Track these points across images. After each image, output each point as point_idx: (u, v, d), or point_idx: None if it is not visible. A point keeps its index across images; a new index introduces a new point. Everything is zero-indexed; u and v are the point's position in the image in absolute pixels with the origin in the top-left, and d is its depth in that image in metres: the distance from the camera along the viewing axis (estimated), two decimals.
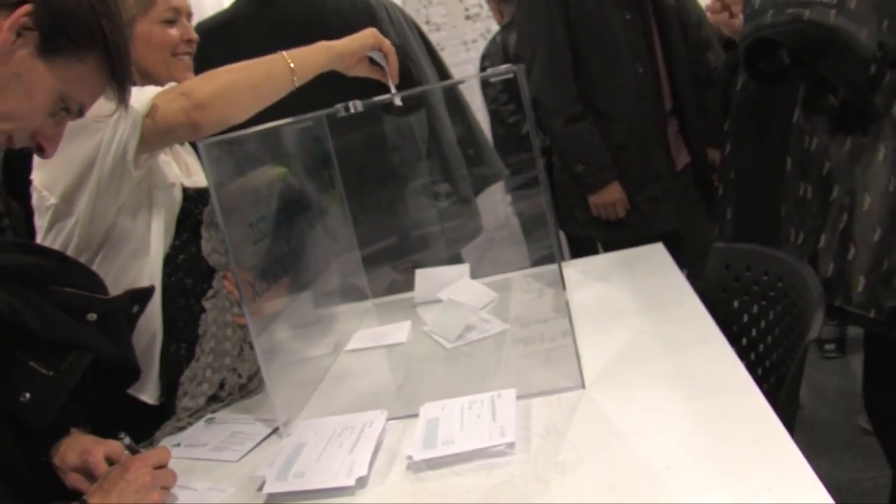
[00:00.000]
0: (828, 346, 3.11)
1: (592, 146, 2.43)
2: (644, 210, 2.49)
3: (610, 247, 2.53)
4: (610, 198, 2.47)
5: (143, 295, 1.40)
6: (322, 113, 1.28)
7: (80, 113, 1.12)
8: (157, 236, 1.41)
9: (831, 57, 1.34)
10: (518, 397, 1.16)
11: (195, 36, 1.54)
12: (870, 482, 2.14)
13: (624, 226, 2.52)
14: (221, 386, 1.46)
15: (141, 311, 1.39)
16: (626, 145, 2.43)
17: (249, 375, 1.49)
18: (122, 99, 1.15)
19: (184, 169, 1.52)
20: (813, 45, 1.34)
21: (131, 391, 1.41)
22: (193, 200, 1.47)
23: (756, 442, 0.92)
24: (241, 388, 1.49)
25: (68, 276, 1.26)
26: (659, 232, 2.36)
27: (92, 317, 1.26)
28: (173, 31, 1.49)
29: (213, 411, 1.45)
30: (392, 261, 2.16)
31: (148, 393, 1.42)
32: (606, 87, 2.41)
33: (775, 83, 1.50)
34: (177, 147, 1.55)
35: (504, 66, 1.19)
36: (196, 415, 1.43)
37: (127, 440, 1.19)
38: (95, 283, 1.32)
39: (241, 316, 1.45)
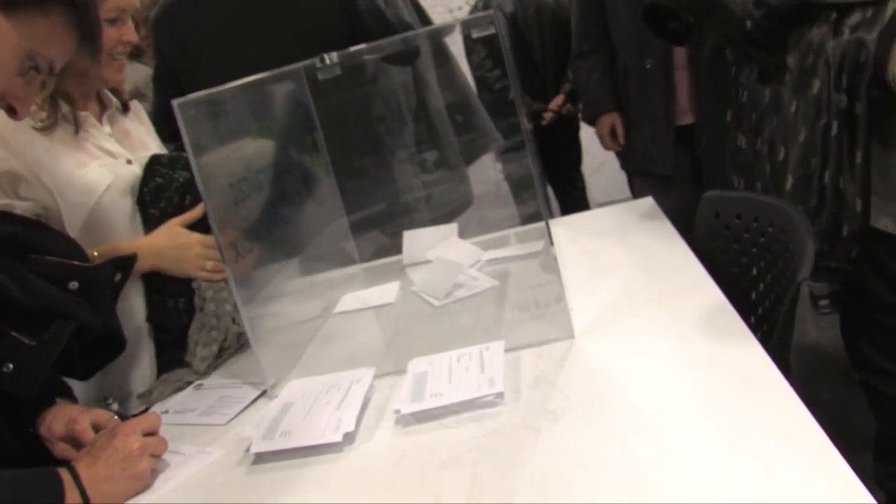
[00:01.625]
0: (822, 303, 3.11)
1: (591, 80, 2.62)
2: (637, 150, 2.60)
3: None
4: (600, 129, 2.65)
5: (125, 262, 1.38)
6: (300, 65, 1.25)
7: (51, 71, 1.09)
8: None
9: (710, 15, 1.47)
10: (507, 350, 1.14)
11: (134, 38, 1.50)
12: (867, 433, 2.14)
13: (626, 161, 2.74)
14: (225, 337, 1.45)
15: (124, 279, 1.37)
16: (626, 82, 2.55)
17: None
18: (94, 55, 1.12)
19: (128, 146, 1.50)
20: (695, 5, 1.49)
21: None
22: (170, 166, 1.45)
23: (749, 384, 0.91)
24: (239, 336, 1.48)
25: (48, 244, 1.24)
26: (654, 174, 2.52)
27: (74, 285, 1.23)
28: (113, 31, 1.44)
29: (215, 367, 1.45)
30: (380, 227, 2.13)
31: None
32: (615, 25, 2.55)
33: (683, 40, 1.69)
34: (126, 125, 1.53)
35: (484, 14, 1.16)
36: (212, 364, 1.45)
37: (115, 406, 1.18)
38: (76, 251, 1.30)
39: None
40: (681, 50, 2.40)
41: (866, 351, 1.54)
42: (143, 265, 1.37)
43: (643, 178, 2.69)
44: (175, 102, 1.16)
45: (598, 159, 4.22)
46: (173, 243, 1.42)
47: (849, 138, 1.27)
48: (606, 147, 2.71)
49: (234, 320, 1.47)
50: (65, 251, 1.26)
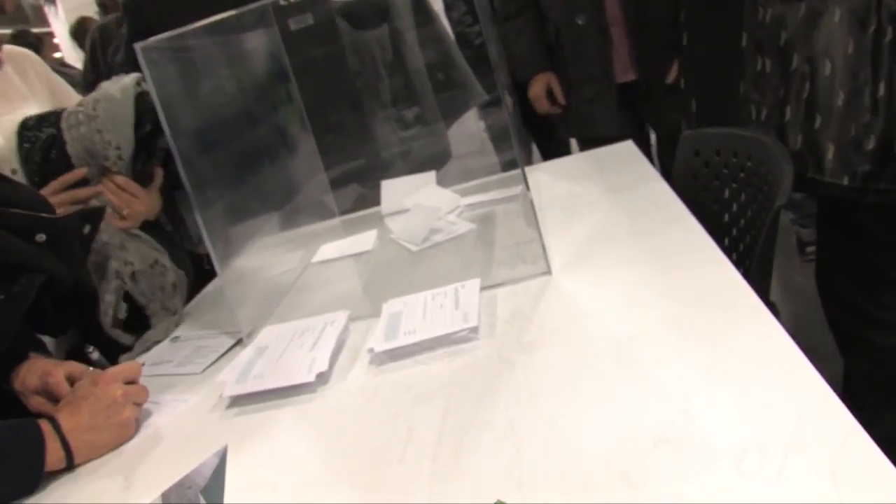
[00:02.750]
0: (809, 249, 3.09)
1: (521, 41, 2.51)
2: (579, 112, 2.50)
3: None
4: (533, 91, 2.54)
5: (93, 214, 1.35)
6: (267, 2, 1.21)
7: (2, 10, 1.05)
8: None
9: None
10: (484, 288, 1.12)
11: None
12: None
13: (566, 125, 2.62)
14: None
15: (93, 231, 1.34)
16: (559, 44, 2.45)
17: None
18: None
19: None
20: None
21: None
22: (37, 127, 1.39)
23: (727, 309, 0.89)
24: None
25: (13, 197, 1.21)
26: (598, 136, 2.33)
27: (41, 237, 1.21)
28: None
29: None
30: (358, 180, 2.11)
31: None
32: None
33: None
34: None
35: None
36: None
37: (96, 354, 1.15)
38: (41, 203, 1.27)
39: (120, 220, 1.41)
40: (613, 4, 2.32)
41: (847, 292, 1.51)
42: None
43: (585, 143, 2.59)
44: (137, 46, 1.13)
45: None
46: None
47: None
48: (541, 110, 2.58)
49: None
50: (30, 204, 1.23)
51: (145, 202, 1.44)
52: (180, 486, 0.67)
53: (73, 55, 5.86)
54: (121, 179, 1.39)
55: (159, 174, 1.49)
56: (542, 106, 2.56)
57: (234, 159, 1.48)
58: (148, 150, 1.43)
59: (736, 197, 1.39)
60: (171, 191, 1.59)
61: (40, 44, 4.75)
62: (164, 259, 1.45)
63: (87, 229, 1.32)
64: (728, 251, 1.12)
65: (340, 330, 1.09)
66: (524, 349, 0.93)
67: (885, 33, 1.18)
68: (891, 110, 1.21)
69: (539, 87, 2.52)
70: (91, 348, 1.12)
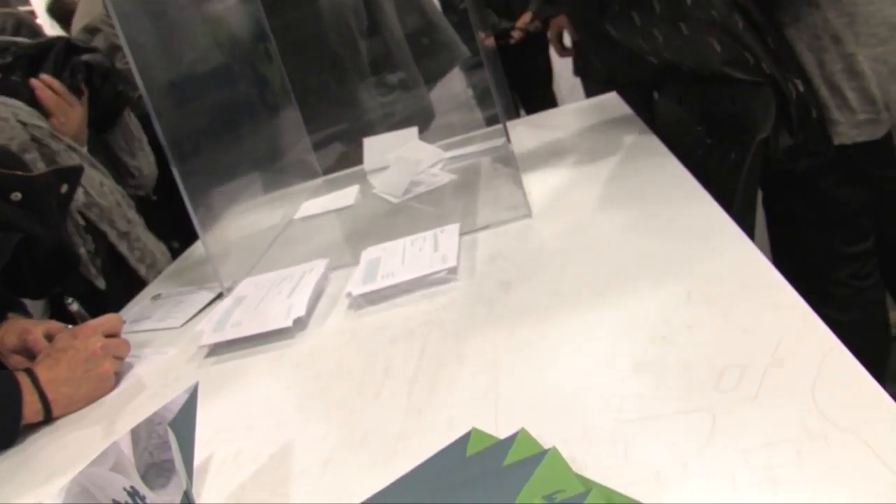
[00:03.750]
0: None
1: None
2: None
3: None
4: (550, 33, 2.62)
5: (70, 173, 1.33)
6: None
7: None
8: None
9: None
10: (464, 233, 1.11)
11: None
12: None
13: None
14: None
15: (71, 191, 1.32)
16: None
17: None
18: None
19: None
20: None
21: None
22: None
23: (707, 240, 0.88)
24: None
25: None
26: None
27: (16, 196, 1.19)
28: None
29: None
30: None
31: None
32: None
33: None
34: None
35: None
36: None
37: (75, 306, 1.14)
38: (16, 161, 1.25)
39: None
40: None
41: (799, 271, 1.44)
42: None
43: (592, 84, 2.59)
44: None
45: (570, 83, 4.15)
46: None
47: None
48: (559, 54, 2.59)
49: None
50: (4, 162, 1.21)
51: (80, 113, 1.44)
52: (150, 422, 0.66)
53: (52, 33, 5.79)
54: (57, 84, 1.38)
55: (85, 90, 1.50)
56: (557, 49, 2.60)
57: (212, 117, 1.45)
58: (72, 67, 1.44)
59: (720, 141, 1.37)
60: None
61: None
62: (109, 181, 1.45)
63: (64, 188, 1.30)
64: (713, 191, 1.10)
65: (319, 277, 1.07)
66: (503, 287, 0.91)
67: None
68: None
69: (554, 29, 2.55)
70: (70, 299, 1.11)
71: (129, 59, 1.14)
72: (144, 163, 1.80)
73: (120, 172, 1.72)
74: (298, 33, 1.98)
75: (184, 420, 0.63)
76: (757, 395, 0.58)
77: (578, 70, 2.70)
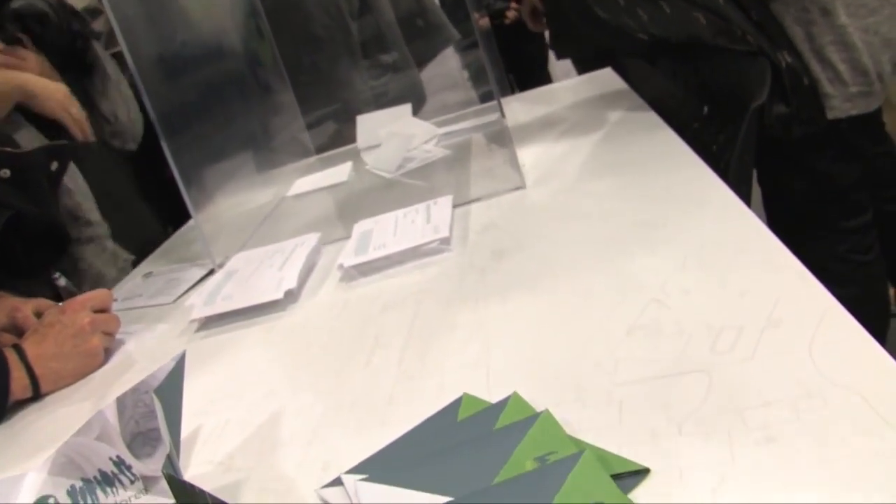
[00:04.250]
0: None
1: None
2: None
3: None
4: (523, 7, 2.38)
5: (60, 151, 1.31)
6: None
7: None
8: None
9: None
10: (458, 205, 1.09)
11: None
12: None
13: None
14: None
15: (62, 169, 1.30)
16: None
17: None
18: None
19: None
20: None
21: None
22: None
23: (703, 205, 0.87)
24: None
25: None
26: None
27: (5, 173, 1.17)
28: None
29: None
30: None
31: None
32: None
33: None
34: None
35: None
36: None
37: (62, 280, 1.12)
38: (5, 139, 1.23)
39: None
40: None
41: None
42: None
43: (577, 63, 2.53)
44: None
45: (565, 65, 4.12)
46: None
47: None
48: (532, 28, 2.51)
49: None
50: None
51: (34, 62, 1.41)
52: (136, 391, 0.65)
53: None
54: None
55: (24, 37, 1.46)
56: (530, 23, 2.36)
57: (203, 94, 1.44)
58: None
59: (717, 112, 1.35)
60: None
61: None
62: None
63: (54, 166, 1.29)
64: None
65: (310, 250, 1.06)
66: (496, 256, 0.90)
67: None
68: None
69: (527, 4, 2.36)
70: (58, 274, 1.09)
71: (120, 39, 1.12)
72: (122, 109, 1.66)
73: (98, 121, 1.63)
74: (289, 13, 1.96)
75: (170, 388, 0.62)
76: (754, 355, 0.57)
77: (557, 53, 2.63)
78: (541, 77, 4.03)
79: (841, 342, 0.55)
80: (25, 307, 1.08)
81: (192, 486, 0.47)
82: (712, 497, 0.45)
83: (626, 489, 0.48)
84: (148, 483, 0.63)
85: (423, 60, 2.30)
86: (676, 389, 0.55)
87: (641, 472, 0.49)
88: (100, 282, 1.40)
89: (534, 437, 0.53)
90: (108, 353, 1.00)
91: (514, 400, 0.58)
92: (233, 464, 0.65)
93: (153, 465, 0.62)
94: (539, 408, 0.56)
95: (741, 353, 0.57)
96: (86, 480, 0.62)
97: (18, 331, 1.07)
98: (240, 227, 1.38)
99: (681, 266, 0.74)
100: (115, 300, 1.24)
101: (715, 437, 0.49)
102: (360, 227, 1.09)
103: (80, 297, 1.03)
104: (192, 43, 1.45)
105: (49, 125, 1.37)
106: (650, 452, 0.50)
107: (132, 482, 0.62)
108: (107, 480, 0.62)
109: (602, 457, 0.50)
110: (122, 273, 1.43)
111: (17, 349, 0.94)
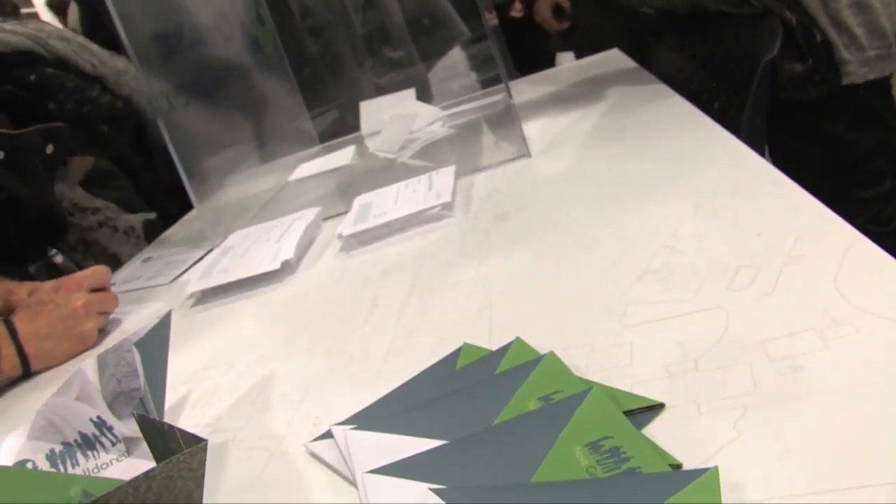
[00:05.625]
0: None
1: None
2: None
3: None
4: (541, 14, 2.48)
5: (56, 133, 1.28)
6: None
7: None
8: None
9: None
10: (461, 175, 1.05)
11: None
12: None
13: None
14: None
15: (57, 152, 1.28)
16: None
17: None
18: None
19: None
20: None
21: None
22: None
23: (713, 160, 0.83)
24: None
25: None
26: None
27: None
28: None
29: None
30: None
31: None
32: None
33: None
34: None
35: None
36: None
37: (59, 258, 1.08)
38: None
39: None
40: None
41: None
42: None
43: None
44: None
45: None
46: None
47: None
48: (552, 28, 2.49)
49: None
50: None
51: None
52: (118, 348, 0.61)
53: None
54: None
55: None
56: (552, 24, 2.47)
57: (202, 81, 1.41)
58: None
59: (725, 84, 1.31)
60: None
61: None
62: None
63: (49, 149, 1.26)
64: None
65: (309, 222, 1.02)
66: (499, 219, 0.86)
67: None
68: None
69: (545, 7, 2.42)
70: (54, 251, 1.05)
71: (119, 26, 1.09)
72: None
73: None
74: (290, 1, 1.94)
75: (153, 342, 0.58)
76: (774, 290, 0.53)
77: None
78: None
79: (870, 273, 0.51)
80: (20, 290, 1.05)
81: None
82: (735, 430, 0.41)
83: (640, 425, 0.43)
84: (130, 445, 0.59)
85: (432, 56, 2.27)
86: (691, 328, 0.51)
87: (656, 408, 0.45)
88: (114, 263, 1.38)
89: (537, 378, 0.49)
90: (103, 333, 0.96)
91: (516, 344, 0.54)
92: (220, 425, 0.61)
93: (135, 426, 0.59)
94: (544, 352, 0.52)
95: (761, 289, 0.53)
96: (66, 444, 0.59)
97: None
98: (241, 209, 1.35)
99: (692, 214, 0.70)
100: (113, 284, 1.21)
101: (735, 369, 0.45)
102: (360, 200, 1.05)
103: (76, 276, 0.99)
104: (191, 28, 1.42)
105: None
106: (665, 389, 0.46)
107: (114, 444, 0.59)
108: (87, 443, 0.59)
109: (612, 394, 0.46)
110: (136, 248, 1.41)
111: (7, 324, 0.90)
